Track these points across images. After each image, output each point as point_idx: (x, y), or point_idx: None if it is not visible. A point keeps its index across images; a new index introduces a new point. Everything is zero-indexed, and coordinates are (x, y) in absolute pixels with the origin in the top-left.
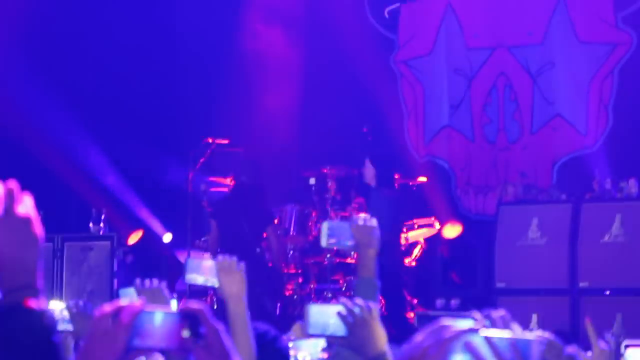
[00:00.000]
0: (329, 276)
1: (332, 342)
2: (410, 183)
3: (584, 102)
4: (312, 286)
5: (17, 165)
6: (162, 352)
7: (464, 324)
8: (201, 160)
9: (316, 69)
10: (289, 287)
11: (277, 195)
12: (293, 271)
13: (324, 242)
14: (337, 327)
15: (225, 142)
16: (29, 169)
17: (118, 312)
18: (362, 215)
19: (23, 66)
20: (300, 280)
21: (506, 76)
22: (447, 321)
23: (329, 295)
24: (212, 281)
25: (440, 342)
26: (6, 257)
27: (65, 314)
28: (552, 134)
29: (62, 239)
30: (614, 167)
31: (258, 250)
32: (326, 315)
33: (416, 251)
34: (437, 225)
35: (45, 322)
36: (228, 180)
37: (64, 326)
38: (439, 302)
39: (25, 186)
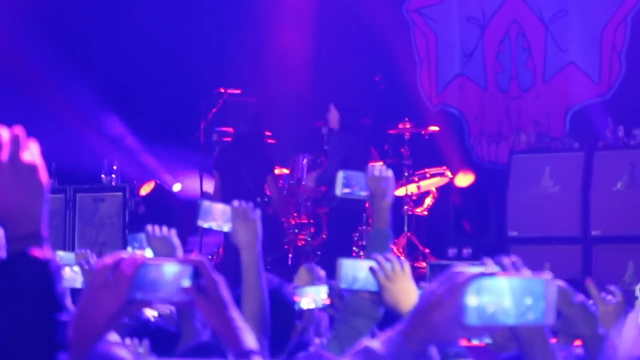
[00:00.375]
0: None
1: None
2: (423, 132)
3: (596, 49)
4: (324, 236)
5: (28, 117)
6: (163, 303)
7: (476, 269)
8: (213, 110)
9: (328, 18)
10: (301, 237)
11: (290, 144)
12: (305, 221)
13: (338, 191)
14: (368, 282)
15: (238, 92)
16: (40, 120)
17: (119, 264)
18: (378, 165)
19: (35, 17)
20: (312, 230)
21: (519, 24)
22: (460, 267)
23: None
24: (226, 226)
25: (454, 287)
26: (10, 204)
27: (77, 270)
28: (565, 82)
29: (74, 190)
30: (627, 115)
31: (259, 199)
32: (358, 269)
33: (428, 200)
34: (449, 174)
35: (49, 271)
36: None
37: (76, 281)
38: (451, 251)
39: (36, 137)
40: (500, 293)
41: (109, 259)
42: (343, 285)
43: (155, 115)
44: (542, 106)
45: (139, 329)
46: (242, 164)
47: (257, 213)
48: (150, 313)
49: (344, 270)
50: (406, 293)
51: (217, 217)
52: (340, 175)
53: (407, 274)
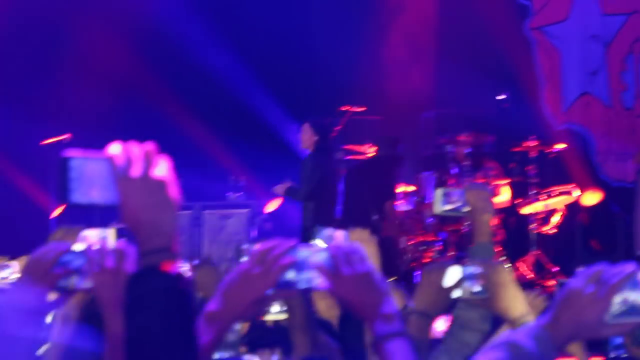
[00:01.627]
0: (467, 243)
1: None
2: (548, 150)
3: None
4: (451, 254)
5: (157, 133)
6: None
7: (623, 268)
8: (337, 128)
9: (450, 37)
10: (427, 254)
11: (415, 163)
12: (432, 239)
13: (437, 209)
14: (476, 287)
15: (362, 109)
16: (169, 138)
17: (272, 249)
18: (476, 183)
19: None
20: (439, 248)
21: None
22: (605, 267)
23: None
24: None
25: (610, 286)
26: (143, 219)
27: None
28: None
29: (201, 207)
30: None
31: (375, 217)
32: (467, 275)
33: (556, 219)
34: (577, 193)
35: (181, 285)
36: (365, 148)
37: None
38: (580, 270)
39: (165, 154)
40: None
41: (264, 244)
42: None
43: (281, 133)
44: None
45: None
46: (367, 183)
47: (375, 239)
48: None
49: (450, 275)
50: (513, 299)
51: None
52: (439, 192)
53: (511, 279)
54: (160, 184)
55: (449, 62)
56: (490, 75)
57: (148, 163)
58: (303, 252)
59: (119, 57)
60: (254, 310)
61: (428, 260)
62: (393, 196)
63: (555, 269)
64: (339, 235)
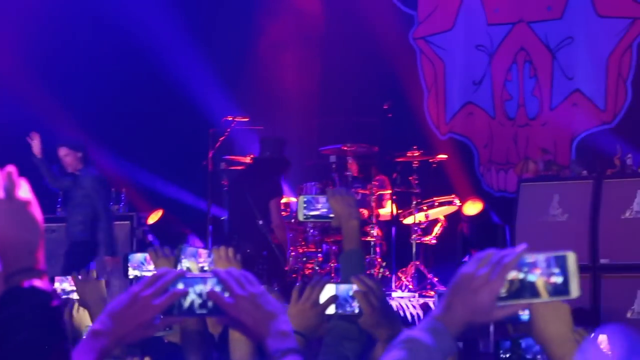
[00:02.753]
0: None
1: (349, 320)
2: (431, 160)
3: (602, 77)
4: (332, 265)
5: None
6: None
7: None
8: (221, 138)
9: (335, 45)
10: (309, 265)
11: (298, 173)
12: (313, 250)
13: (300, 215)
14: (349, 306)
15: (245, 119)
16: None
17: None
18: (339, 188)
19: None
20: (320, 259)
21: (526, 51)
22: (493, 251)
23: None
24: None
25: (502, 267)
26: (8, 240)
27: (66, 285)
28: (571, 110)
29: None
30: (634, 142)
31: (261, 222)
32: (340, 293)
33: (436, 229)
34: (458, 203)
35: (52, 301)
36: (247, 158)
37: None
38: (470, 256)
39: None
40: (532, 270)
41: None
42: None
43: (164, 143)
44: (549, 134)
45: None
46: (248, 186)
47: (238, 257)
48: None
49: (325, 294)
50: (386, 318)
51: (202, 258)
52: (302, 199)
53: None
54: (24, 204)
55: (335, 70)
56: (376, 84)
57: (11, 184)
58: (192, 279)
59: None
60: (141, 332)
61: (309, 271)
62: (278, 194)
63: (435, 279)
64: (203, 252)
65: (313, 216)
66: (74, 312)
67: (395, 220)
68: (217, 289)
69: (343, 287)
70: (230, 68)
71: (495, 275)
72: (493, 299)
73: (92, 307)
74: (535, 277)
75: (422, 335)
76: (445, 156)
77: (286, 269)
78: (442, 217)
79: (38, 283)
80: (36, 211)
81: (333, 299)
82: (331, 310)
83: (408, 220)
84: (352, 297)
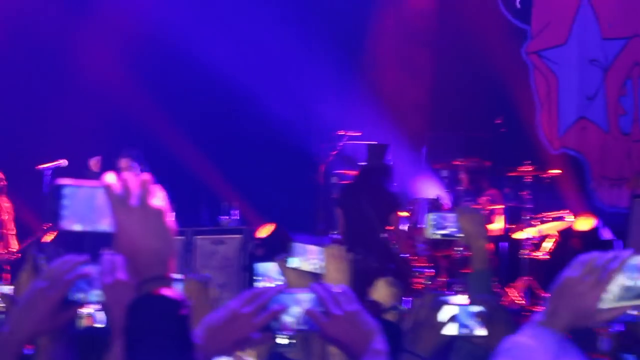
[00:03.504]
0: (459, 269)
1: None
2: (543, 175)
3: None
4: (442, 279)
5: (150, 159)
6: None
7: (619, 253)
8: (333, 153)
9: (447, 61)
10: (420, 280)
11: (409, 187)
12: (424, 264)
13: (428, 233)
14: (475, 326)
15: (358, 134)
16: (161, 162)
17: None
18: (468, 206)
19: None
20: (431, 273)
21: None
22: (597, 254)
23: (460, 289)
24: (320, 266)
25: (607, 273)
26: (141, 247)
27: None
28: None
29: (193, 232)
30: None
31: (384, 235)
32: (463, 313)
33: (549, 244)
34: (570, 218)
35: (181, 309)
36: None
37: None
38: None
39: (158, 180)
40: (635, 273)
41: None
42: (445, 332)
43: (277, 158)
44: None
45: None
46: (366, 196)
47: (351, 255)
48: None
49: (446, 314)
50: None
51: (313, 255)
52: (431, 216)
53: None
54: (157, 213)
55: (447, 85)
56: (487, 98)
57: (145, 192)
58: (290, 296)
59: (111, 76)
60: (237, 348)
61: (420, 286)
62: (398, 205)
63: (546, 295)
64: (313, 249)
65: (442, 234)
66: None
67: (505, 235)
68: (314, 306)
69: (466, 308)
70: (344, 82)
71: (600, 281)
72: (597, 304)
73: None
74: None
75: (528, 341)
76: (559, 171)
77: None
78: (554, 233)
79: (168, 291)
80: (169, 220)
81: (452, 319)
82: (453, 330)
83: (518, 235)
84: (476, 318)
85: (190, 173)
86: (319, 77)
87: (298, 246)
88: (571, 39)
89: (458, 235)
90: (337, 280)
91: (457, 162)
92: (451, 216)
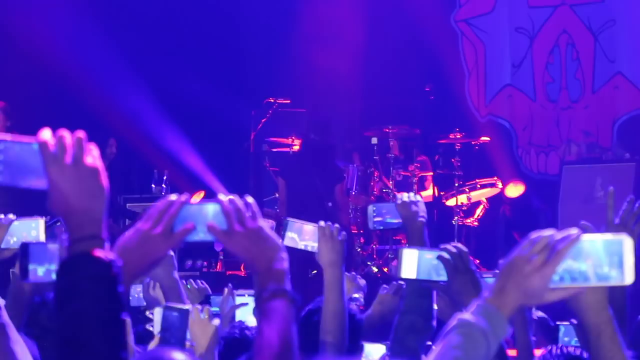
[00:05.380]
0: (391, 236)
1: (431, 287)
2: (473, 142)
3: None
4: (374, 246)
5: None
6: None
7: (565, 233)
8: (263, 120)
9: (377, 28)
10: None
11: (340, 155)
12: (355, 231)
13: (370, 224)
14: (433, 272)
15: (287, 102)
16: (91, 130)
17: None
18: (405, 194)
19: (90, 18)
20: (362, 240)
21: (568, 34)
22: (547, 232)
23: (391, 255)
24: (312, 246)
25: (557, 253)
26: (74, 206)
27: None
28: (613, 92)
29: (124, 199)
30: None
31: (330, 204)
32: (422, 259)
33: (478, 211)
34: (500, 185)
35: (112, 271)
36: (290, 140)
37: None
38: (501, 262)
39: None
40: (585, 255)
41: (159, 203)
42: (404, 276)
43: (205, 125)
44: (590, 117)
45: None
46: (314, 170)
47: (343, 234)
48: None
49: (406, 259)
50: (472, 284)
51: (306, 236)
52: (371, 208)
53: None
54: (91, 172)
55: (377, 52)
56: (417, 66)
57: (80, 150)
58: (197, 207)
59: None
60: (151, 268)
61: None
62: (342, 178)
63: (477, 261)
64: (308, 228)
65: (382, 223)
66: (150, 289)
67: (437, 202)
68: (220, 219)
69: (428, 254)
70: (273, 49)
71: (550, 261)
72: (547, 283)
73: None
74: (588, 264)
75: (476, 319)
76: (488, 138)
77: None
78: (484, 200)
79: (99, 252)
80: (103, 179)
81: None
82: (412, 274)
83: (450, 202)
84: (436, 266)
85: (122, 141)
86: (249, 42)
87: (294, 223)
88: (498, 7)
89: (396, 221)
90: (331, 260)
91: (387, 130)
92: (390, 205)
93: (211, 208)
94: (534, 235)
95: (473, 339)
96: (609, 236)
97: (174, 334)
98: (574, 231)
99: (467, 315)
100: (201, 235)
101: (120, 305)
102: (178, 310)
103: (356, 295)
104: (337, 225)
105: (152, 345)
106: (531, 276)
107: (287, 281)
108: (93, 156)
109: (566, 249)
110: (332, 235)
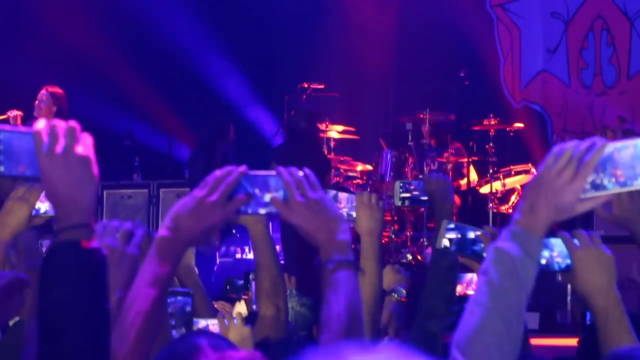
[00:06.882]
0: (425, 223)
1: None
2: (507, 128)
3: None
4: (408, 233)
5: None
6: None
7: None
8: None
9: (412, 12)
10: (385, 234)
11: (374, 140)
12: (389, 218)
13: (397, 200)
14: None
15: (321, 86)
16: (123, 116)
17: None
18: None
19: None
20: (396, 227)
21: (603, 19)
22: (565, 145)
23: (425, 242)
24: (349, 214)
25: (583, 164)
26: (62, 195)
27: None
28: None
29: (157, 185)
30: None
31: None
32: (465, 233)
33: (513, 198)
34: (534, 172)
35: (97, 260)
36: (324, 126)
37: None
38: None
39: (121, 133)
40: (611, 162)
41: (219, 172)
42: (442, 246)
43: (240, 110)
44: (626, 102)
45: None
46: (303, 160)
47: (381, 203)
48: None
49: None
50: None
51: (343, 203)
52: (397, 184)
53: None
54: (82, 161)
55: (410, 37)
56: (452, 51)
57: (71, 140)
58: (255, 177)
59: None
60: (206, 236)
61: (385, 240)
62: (330, 169)
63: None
64: (343, 197)
65: (408, 199)
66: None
67: (471, 189)
68: (280, 192)
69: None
70: (307, 34)
71: (579, 173)
72: (578, 195)
73: None
74: (615, 172)
75: (506, 245)
76: (522, 125)
77: None
78: (518, 187)
79: (85, 241)
80: (94, 169)
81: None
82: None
83: (484, 189)
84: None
85: (158, 126)
86: (284, 27)
87: (331, 192)
88: None
89: (423, 198)
90: (369, 228)
91: (421, 115)
92: (417, 182)
93: (271, 179)
94: (557, 149)
95: (507, 267)
96: (631, 142)
97: (181, 317)
98: (598, 141)
99: (499, 242)
100: (258, 208)
101: (104, 295)
102: (182, 294)
103: (399, 290)
104: (375, 194)
105: None
106: (562, 191)
107: (351, 252)
108: (85, 145)
109: (594, 159)
110: (372, 203)
